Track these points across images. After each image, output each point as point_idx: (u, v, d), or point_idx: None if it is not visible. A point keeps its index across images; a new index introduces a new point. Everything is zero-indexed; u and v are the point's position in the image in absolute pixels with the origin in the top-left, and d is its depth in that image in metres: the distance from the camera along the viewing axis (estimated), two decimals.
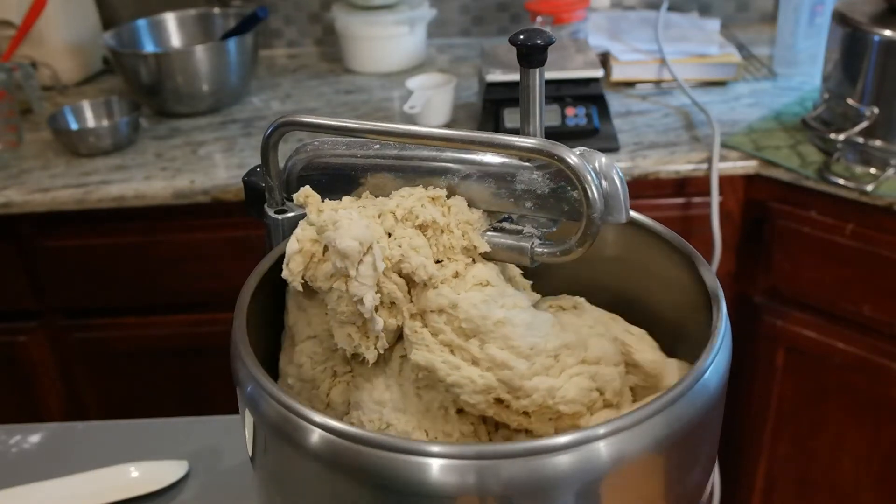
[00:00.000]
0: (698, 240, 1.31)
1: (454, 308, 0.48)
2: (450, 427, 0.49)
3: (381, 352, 0.50)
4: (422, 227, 0.50)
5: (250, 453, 0.47)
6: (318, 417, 0.40)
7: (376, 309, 0.49)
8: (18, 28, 1.62)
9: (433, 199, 0.51)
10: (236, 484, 0.74)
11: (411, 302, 0.50)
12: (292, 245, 0.50)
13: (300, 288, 0.51)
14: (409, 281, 0.49)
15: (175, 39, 1.69)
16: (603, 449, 0.39)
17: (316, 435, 0.40)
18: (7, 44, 1.63)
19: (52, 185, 1.32)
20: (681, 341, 0.54)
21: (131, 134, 1.44)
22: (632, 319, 0.55)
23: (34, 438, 0.82)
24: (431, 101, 1.40)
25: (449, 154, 0.51)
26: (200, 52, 1.49)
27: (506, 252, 0.50)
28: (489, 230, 0.51)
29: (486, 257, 0.51)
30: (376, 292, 0.48)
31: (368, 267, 0.47)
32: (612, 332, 0.54)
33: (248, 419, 0.45)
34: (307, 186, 0.52)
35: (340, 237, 0.46)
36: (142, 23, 1.65)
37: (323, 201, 0.51)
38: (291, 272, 0.50)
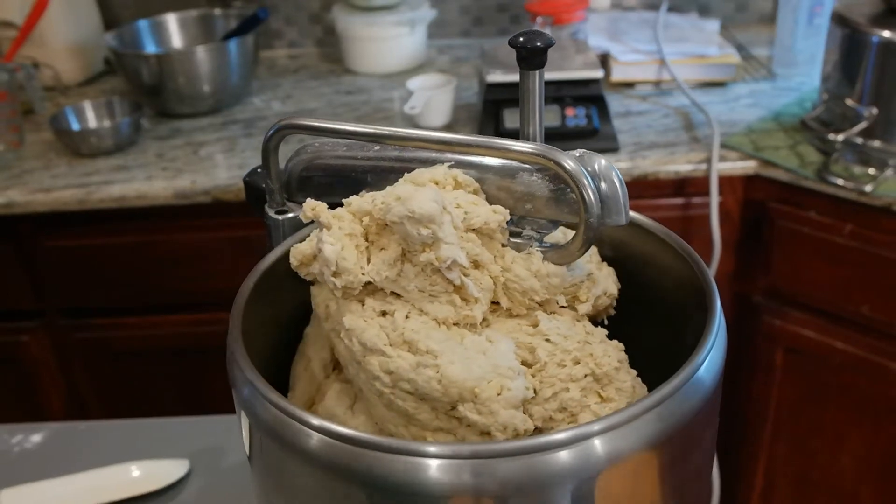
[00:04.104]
0: (698, 240, 1.32)
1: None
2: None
3: (486, 309, 0.48)
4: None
5: (248, 454, 0.47)
6: (314, 420, 0.40)
7: (466, 274, 0.47)
8: (20, 29, 1.62)
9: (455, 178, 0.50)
10: (237, 483, 0.75)
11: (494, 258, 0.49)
12: (329, 248, 0.46)
13: (363, 282, 0.46)
14: (480, 235, 0.48)
15: (176, 40, 1.69)
16: (598, 446, 0.39)
17: (311, 437, 0.40)
18: (9, 44, 1.63)
19: (53, 185, 1.33)
20: (680, 339, 0.54)
21: (132, 134, 1.44)
22: (630, 318, 0.55)
23: (36, 438, 0.82)
24: (431, 101, 1.41)
25: (448, 156, 0.51)
26: (201, 52, 1.50)
27: None
28: None
29: None
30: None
31: (450, 226, 0.46)
32: None
33: (245, 421, 0.45)
34: (310, 199, 0.49)
35: (418, 203, 0.44)
36: (143, 23, 1.65)
37: (330, 207, 0.49)
38: (348, 269, 0.46)
